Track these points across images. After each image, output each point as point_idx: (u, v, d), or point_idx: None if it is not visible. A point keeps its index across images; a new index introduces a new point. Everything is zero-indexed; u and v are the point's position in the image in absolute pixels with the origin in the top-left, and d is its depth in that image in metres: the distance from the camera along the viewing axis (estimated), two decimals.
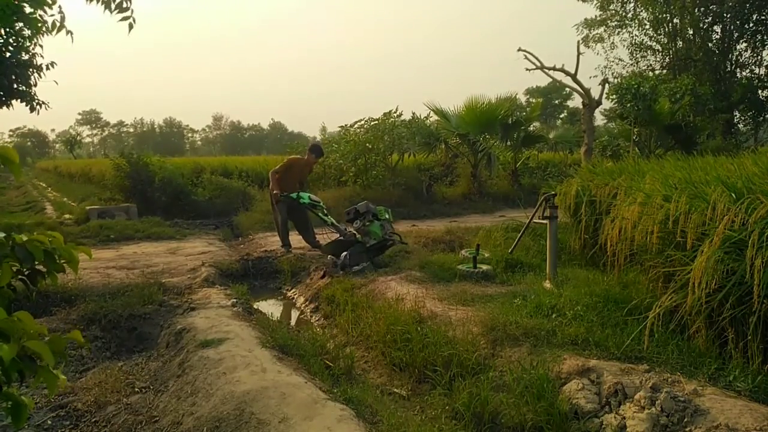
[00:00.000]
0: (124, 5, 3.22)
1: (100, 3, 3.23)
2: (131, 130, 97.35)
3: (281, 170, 7.61)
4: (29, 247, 1.38)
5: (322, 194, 11.33)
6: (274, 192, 7.41)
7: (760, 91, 17.87)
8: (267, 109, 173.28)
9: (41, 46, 7.55)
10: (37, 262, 1.43)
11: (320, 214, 6.98)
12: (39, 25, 4.28)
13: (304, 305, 5.91)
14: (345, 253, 6.20)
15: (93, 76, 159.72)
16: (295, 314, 5.77)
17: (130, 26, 3.31)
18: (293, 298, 6.30)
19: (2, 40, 7.25)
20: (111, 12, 3.20)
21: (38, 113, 8.28)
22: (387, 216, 6.46)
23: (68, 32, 3.85)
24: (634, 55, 19.65)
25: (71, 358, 4.08)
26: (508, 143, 14.35)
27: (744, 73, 18.51)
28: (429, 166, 15.68)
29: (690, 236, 3.34)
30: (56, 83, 8.02)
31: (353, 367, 3.86)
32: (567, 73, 11.60)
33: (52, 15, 3.99)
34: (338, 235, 6.65)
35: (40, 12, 4.18)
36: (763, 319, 2.89)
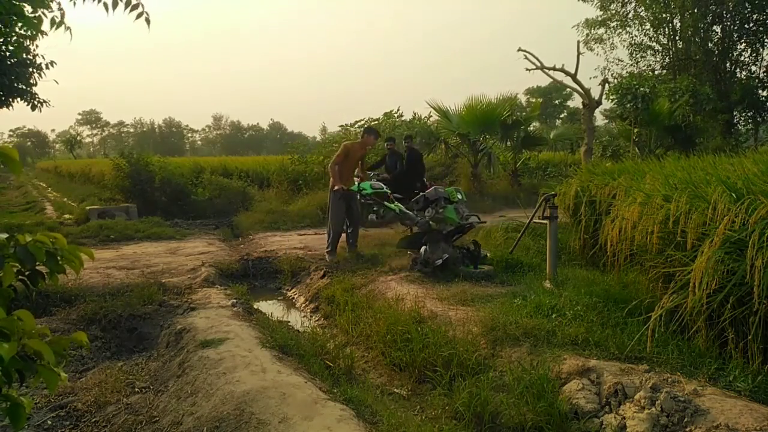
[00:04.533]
0: (133, 2, 3.18)
1: (99, 3, 3.21)
2: (131, 130, 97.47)
3: (340, 161, 6.73)
4: (31, 248, 1.38)
5: (321, 194, 11.33)
6: (335, 188, 6.56)
7: (760, 91, 17.86)
8: (267, 109, 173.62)
9: (37, 45, 7.57)
10: (38, 263, 1.43)
11: (386, 203, 6.32)
12: (38, 23, 4.25)
13: (304, 305, 5.90)
14: (424, 247, 5.66)
15: (93, 76, 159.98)
16: (295, 314, 5.77)
17: (148, 22, 3.26)
18: (293, 298, 6.29)
19: (2, 40, 7.26)
20: (121, 11, 3.16)
21: (41, 111, 8.32)
22: (459, 196, 5.90)
23: (67, 28, 3.83)
24: (634, 55, 19.66)
25: (71, 358, 4.08)
26: (508, 143, 14.36)
27: (744, 73, 18.52)
28: (429, 166, 15.68)
29: (690, 236, 3.33)
30: (56, 82, 8.05)
31: (353, 367, 3.86)
32: (567, 73, 11.58)
33: (51, 12, 3.97)
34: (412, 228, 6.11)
35: (41, 11, 4.16)
36: (763, 319, 2.89)
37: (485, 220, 7.04)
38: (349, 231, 6.98)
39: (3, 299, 1.37)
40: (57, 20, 3.84)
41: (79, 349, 4.17)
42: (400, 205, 6.28)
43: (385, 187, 6.62)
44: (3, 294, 1.37)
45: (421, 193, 6.02)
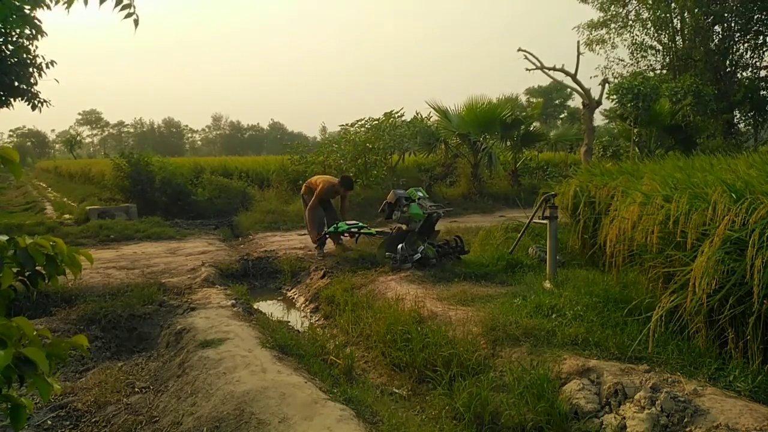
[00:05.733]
0: (125, 1, 3.16)
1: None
2: (131, 130, 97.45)
3: (316, 198, 7.34)
4: (31, 251, 1.38)
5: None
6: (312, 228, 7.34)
7: (761, 92, 17.82)
8: (267, 109, 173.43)
9: (37, 46, 7.58)
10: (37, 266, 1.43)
11: (364, 232, 7.06)
12: (26, 20, 4.20)
13: (304, 305, 5.91)
14: (401, 245, 5.99)
15: (93, 76, 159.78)
16: (295, 314, 5.77)
17: (136, 23, 3.25)
18: (293, 298, 6.30)
19: (2, 39, 7.26)
20: (114, 10, 3.14)
21: (40, 111, 8.32)
22: (420, 194, 6.26)
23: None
24: (635, 54, 19.64)
25: (71, 358, 4.08)
26: (508, 143, 14.36)
27: (745, 74, 18.49)
28: (429, 166, 15.69)
29: (690, 236, 3.33)
30: (57, 81, 8.05)
31: (353, 367, 3.86)
32: (567, 74, 11.57)
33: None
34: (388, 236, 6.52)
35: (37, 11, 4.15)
36: (762, 319, 2.89)
37: (485, 219, 7.12)
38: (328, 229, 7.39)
39: (2, 300, 1.37)
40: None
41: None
42: (374, 229, 7.13)
43: (358, 223, 7.24)
44: (2, 295, 1.37)
45: (384, 201, 6.30)
